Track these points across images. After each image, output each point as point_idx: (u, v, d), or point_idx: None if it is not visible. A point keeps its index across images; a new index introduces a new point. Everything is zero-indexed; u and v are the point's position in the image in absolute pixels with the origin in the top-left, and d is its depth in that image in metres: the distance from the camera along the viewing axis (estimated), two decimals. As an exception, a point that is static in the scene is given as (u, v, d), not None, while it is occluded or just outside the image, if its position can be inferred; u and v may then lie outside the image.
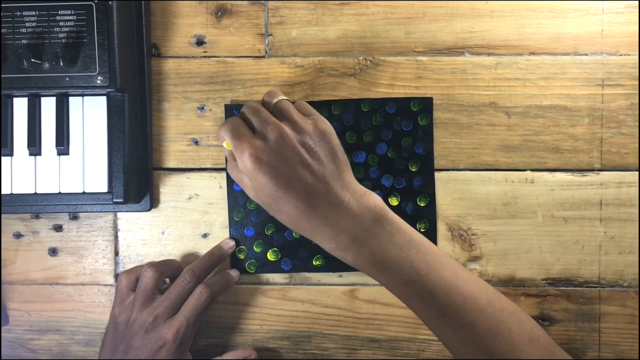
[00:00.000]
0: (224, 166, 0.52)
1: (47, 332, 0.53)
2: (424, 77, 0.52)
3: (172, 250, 0.53)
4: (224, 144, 0.46)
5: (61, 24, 0.47)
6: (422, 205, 0.52)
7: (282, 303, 0.53)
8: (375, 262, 0.43)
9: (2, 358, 0.53)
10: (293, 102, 0.47)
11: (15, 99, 0.50)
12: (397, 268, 0.43)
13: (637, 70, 0.51)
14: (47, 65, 0.47)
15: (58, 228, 0.53)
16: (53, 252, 0.53)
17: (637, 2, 0.52)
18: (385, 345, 0.52)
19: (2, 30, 0.47)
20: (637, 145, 0.51)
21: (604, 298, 0.52)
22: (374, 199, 0.44)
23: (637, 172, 0.51)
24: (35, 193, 0.49)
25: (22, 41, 0.47)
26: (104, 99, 0.49)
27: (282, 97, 0.45)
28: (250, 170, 0.42)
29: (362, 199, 0.43)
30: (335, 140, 0.44)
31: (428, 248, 0.44)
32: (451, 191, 0.52)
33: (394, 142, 0.52)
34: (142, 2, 0.51)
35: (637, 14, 0.51)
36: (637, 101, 0.51)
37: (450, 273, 0.43)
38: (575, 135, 0.52)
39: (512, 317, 0.42)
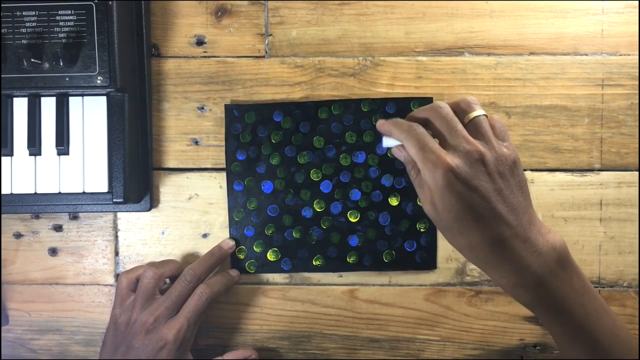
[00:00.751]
0: (224, 166, 0.52)
1: (47, 332, 0.53)
2: (424, 77, 0.52)
3: (172, 250, 0.53)
4: (386, 140, 0.43)
5: (61, 24, 0.47)
6: (422, 205, 0.52)
7: (282, 303, 0.53)
8: (552, 304, 0.40)
9: (2, 358, 0.53)
10: (486, 115, 0.42)
11: (15, 99, 0.50)
12: (570, 312, 0.40)
13: (637, 70, 0.51)
14: (47, 65, 0.47)
15: (58, 228, 0.53)
16: (53, 252, 0.53)
17: (637, 2, 0.52)
18: (385, 345, 0.52)
19: (2, 30, 0.47)
20: (637, 145, 0.51)
21: (604, 298, 0.52)
22: (559, 238, 0.41)
23: (637, 172, 0.51)
24: (35, 193, 0.49)
25: (22, 41, 0.47)
26: (104, 99, 0.49)
27: (481, 110, 0.41)
28: (441, 188, 0.39)
29: (548, 236, 0.40)
30: (524, 174, 0.41)
31: (596, 294, 0.41)
32: (451, 191, 0.52)
33: (394, 142, 0.52)
34: (142, 2, 0.51)
35: (637, 14, 0.51)
36: (637, 101, 0.51)
37: (611, 322, 0.41)
38: (575, 135, 0.52)
39: None
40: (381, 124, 0.43)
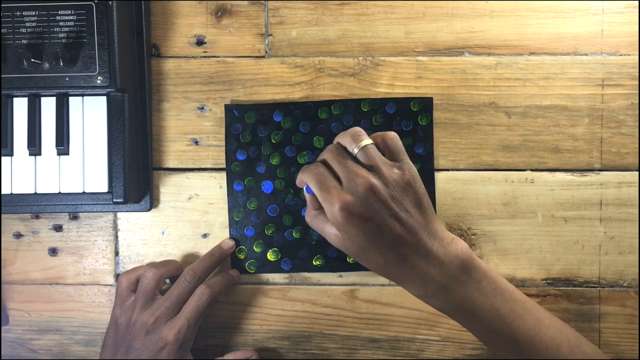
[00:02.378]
0: (224, 166, 0.52)
1: (47, 332, 0.53)
2: (424, 77, 0.52)
3: (172, 250, 0.53)
4: (304, 189, 0.46)
5: (61, 24, 0.47)
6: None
7: (282, 303, 0.53)
8: (462, 309, 0.43)
9: (2, 358, 0.53)
10: (377, 135, 0.44)
11: (15, 99, 0.50)
12: (483, 315, 0.43)
13: (637, 70, 0.51)
14: (47, 65, 0.47)
15: (58, 228, 0.53)
16: (53, 252, 0.53)
17: (637, 2, 0.52)
18: (385, 345, 0.52)
19: (2, 30, 0.47)
20: (637, 145, 0.51)
21: (604, 298, 0.52)
22: (461, 246, 0.43)
23: (637, 172, 0.51)
24: (35, 193, 0.49)
25: (22, 41, 0.47)
26: (104, 99, 0.49)
27: (367, 140, 0.43)
28: (340, 223, 0.42)
29: (450, 246, 0.43)
30: (421, 189, 0.43)
31: (513, 294, 0.44)
32: (451, 191, 0.52)
33: (394, 142, 0.52)
34: (142, 2, 0.51)
35: (637, 14, 0.51)
36: (637, 101, 0.51)
37: (533, 320, 0.43)
38: (575, 135, 0.52)
39: None
40: (297, 179, 0.46)
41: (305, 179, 0.44)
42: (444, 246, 0.43)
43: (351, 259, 0.52)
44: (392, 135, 0.45)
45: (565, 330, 0.44)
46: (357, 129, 0.44)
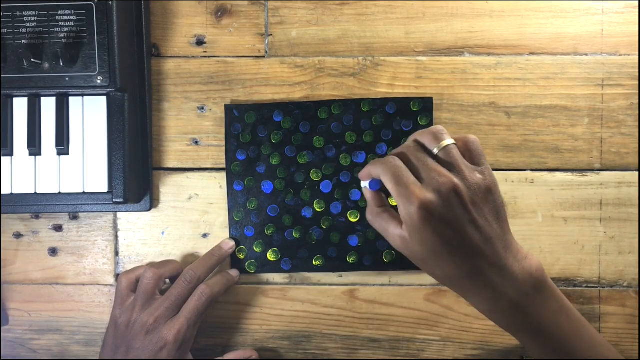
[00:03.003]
0: (224, 166, 0.52)
1: (47, 332, 0.53)
2: (424, 77, 0.52)
3: (172, 250, 0.53)
4: (366, 184, 0.43)
5: (61, 24, 0.47)
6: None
7: (282, 303, 0.53)
8: (529, 327, 0.41)
9: (2, 358, 0.53)
10: (458, 138, 0.42)
11: (15, 99, 0.50)
12: (548, 334, 0.41)
13: (637, 70, 0.51)
14: (47, 65, 0.47)
15: (58, 228, 0.53)
16: (53, 252, 0.53)
17: (637, 2, 0.52)
18: (385, 345, 0.52)
19: (2, 30, 0.47)
20: (637, 145, 0.51)
21: (604, 298, 0.52)
22: (536, 262, 0.41)
23: (637, 172, 0.51)
24: (35, 193, 0.49)
25: (22, 41, 0.47)
26: (104, 99, 0.49)
27: (450, 140, 0.41)
28: (416, 222, 0.39)
29: (524, 262, 0.40)
30: (500, 198, 0.41)
31: (574, 313, 0.42)
32: (451, 191, 0.52)
33: (394, 142, 0.52)
34: (142, 2, 0.51)
35: (637, 14, 0.51)
36: (637, 101, 0.51)
37: (590, 339, 0.42)
38: (575, 135, 0.52)
39: None
40: (361, 172, 0.44)
41: (378, 172, 0.41)
42: (519, 261, 0.40)
43: (351, 259, 0.52)
44: (474, 138, 0.42)
45: (610, 347, 0.43)
46: (440, 127, 0.41)
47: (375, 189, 0.42)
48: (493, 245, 0.40)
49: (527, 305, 0.40)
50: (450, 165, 0.40)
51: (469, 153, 0.41)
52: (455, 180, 0.39)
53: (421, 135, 0.41)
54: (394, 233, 0.41)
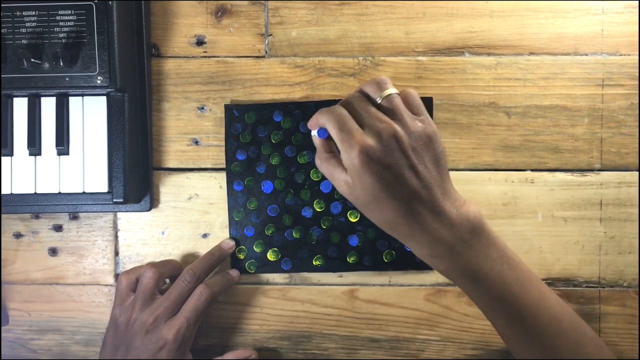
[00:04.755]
0: (224, 166, 0.52)
1: (47, 332, 0.53)
2: (424, 77, 0.52)
3: (172, 250, 0.53)
4: (315, 132, 0.44)
5: (61, 24, 0.47)
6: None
7: (282, 303, 0.53)
8: (467, 273, 0.42)
9: (2, 358, 0.53)
10: (400, 91, 0.43)
11: (15, 99, 0.50)
12: (488, 282, 0.42)
13: (637, 70, 0.51)
14: (47, 65, 0.47)
15: (58, 228, 0.53)
16: (53, 252, 0.53)
17: (637, 2, 0.52)
18: (385, 345, 0.52)
19: (2, 30, 0.47)
20: (637, 145, 0.51)
21: (604, 298, 0.52)
22: (473, 209, 0.42)
23: (637, 172, 0.51)
24: (35, 193, 0.49)
25: (22, 41, 0.47)
26: (104, 99, 0.49)
27: (393, 89, 0.43)
28: (357, 167, 0.40)
29: (462, 208, 0.42)
30: (440, 146, 0.43)
31: (519, 264, 0.43)
32: (451, 191, 0.52)
33: (394, 142, 0.52)
34: (142, 2, 0.51)
35: (637, 14, 0.51)
36: (637, 101, 0.51)
37: (537, 292, 0.42)
38: (575, 135, 0.52)
39: (592, 342, 0.42)
40: (310, 121, 0.45)
41: (324, 120, 0.42)
42: (457, 207, 0.42)
43: (351, 259, 0.52)
44: (413, 91, 0.44)
45: (566, 306, 0.43)
46: (383, 77, 0.43)
47: (324, 137, 0.44)
48: (431, 190, 0.41)
49: (464, 250, 0.42)
50: (392, 113, 0.42)
51: (409, 105, 0.43)
52: (395, 126, 0.41)
53: (366, 86, 0.43)
54: (339, 178, 0.43)
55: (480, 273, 0.42)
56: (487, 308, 0.43)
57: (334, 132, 0.42)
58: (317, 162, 0.45)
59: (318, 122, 0.44)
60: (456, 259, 0.42)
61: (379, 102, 0.42)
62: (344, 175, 0.42)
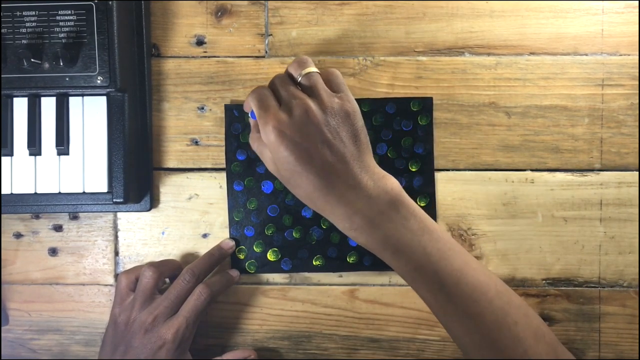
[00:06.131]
0: (224, 166, 0.53)
1: (47, 332, 0.53)
2: (424, 77, 0.52)
3: (172, 250, 0.53)
4: (249, 114, 0.46)
5: (61, 24, 0.47)
6: (422, 205, 0.52)
7: (282, 303, 0.53)
8: (387, 245, 0.43)
9: (2, 358, 0.53)
10: (322, 71, 0.46)
11: (15, 99, 0.50)
12: (409, 253, 0.43)
13: (637, 70, 0.51)
14: (47, 65, 0.47)
15: (58, 228, 0.53)
16: (53, 252, 0.53)
17: (637, 2, 0.52)
18: (385, 345, 0.52)
19: (2, 30, 0.47)
20: (637, 145, 0.51)
21: (604, 298, 0.52)
22: (392, 182, 0.44)
23: (637, 172, 0.51)
24: (35, 193, 0.49)
25: (22, 41, 0.47)
26: (104, 99, 0.49)
27: (312, 68, 0.45)
28: (272, 142, 0.42)
29: (380, 181, 0.43)
30: (359, 122, 0.44)
31: (441, 236, 0.44)
32: (451, 191, 0.52)
33: (394, 142, 0.52)
34: (142, 2, 0.51)
35: (637, 14, 0.51)
36: (637, 101, 0.51)
37: (461, 262, 0.43)
38: (575, 135, 0.52)
39: (519, 311, 0.43)
40: (244, 103, 0.47)
41: (249, 99, 0.45)
42: (374, 180, 0.43)
43: (351, 259, 0.52)
44: (335, 70, 0.46)
45: (492, 276, 0.44)
46: (305, 57, 0.46)
47: (255, 118, 0.45)
48: (347, 164, 0.42)
49: (382, 222, 0.43)
50: (310, 90, 0.44)
51: (329, 83, 0.45)
52: (309, 101, 0.43)
53: (290, 66, 0.46)
54: (267, 155, 0.45)
55: (400, 244, 0.43)
56: (410, 279, 0.44)
57: (255, 111, 0.44)
58: (250, 142, 0.47)
59: (248, 104, 0.46)
60: (375, 231, 0.43)
61: (299, 80, 0.45)
62: (270, 153, 0.44)
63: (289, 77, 0.45)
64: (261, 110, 0.43)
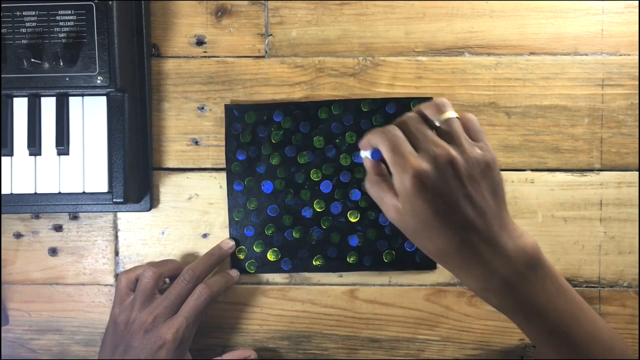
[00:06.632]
0: (224, 166, 0.52)
1: (47, 332, 0.53)
2: (424, 77, 0.52)
3: (172, 250, 0.53)
4: (366, 153, 0.42)
5: (61, 24, 0.47)
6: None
7: (282, 303, 0.53)
8: (523, 308, 0.40)
9: (2, 358, 0.53)
10: (460, 115, 0.41)
11: (15, 99, 0.50)
12: (543, 316, 0.40)
13: (637, 70, 0.51)
14: (47, 65, 0.47)
15: (58, 228, 0.53)
16: (53, 252, 0.53)
17: (637, 2, 0.52)
18: (385, 345, 0.52)
19: (2, 30, 0.47)
20: (637, 145, 0.51)
21: (604, 298, 0.52)
22: (531, 241, 0.40)
23: (637, 172, 0.51)
24: (35, 193, 0.49)
25: (22, 41, 0.47)
26: (104, 99, 0.49)
27: (452, 113, 0.40)
28: (409, 192, 0.38)
29: (519, 240, 0.39)
30: (499, 175, 0.40)
31: (574, 296, 0.41)
32: (451, 191, 0.52)
33: (394, 142, 0.52)
34: (142, 2, 0.51)
35: (637, 14, 0.51)
36: (637, 101, 0.51)
37: (590, 323, 0.41)
38: (575, 135, 0.52)
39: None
40: (361, 141, 0.43)
41: (376, 140, 0.40)
42: (513, 239, 0.39)
43: (351, 259, 0.52)
44: (473, 116, 0.42)
45: (613, 332, 0.42)
46: (444, 99, 0.41)
47: (376, 159, 0.41)
48: (487, 220, 0.39)
49: (520, 284, 0.39)
50: (450, 138, 0.39)
51: (468, 130, 0.41)
52: (452, 152, 0.38)
53: (424, 107, 0.41)
54: (389, 203, 0.40)
55: (535, 308, 0.40)
56: (541, 342, 0.41)
57: (387, 154, 0.39)
58: (367, 185, 0.42)
59: (370, 143, 0.41)
60: (511, 293, 0.40)
61: (437, 125, 0.40)
62: (394, 200, 0.40)
63: (423, 119, 0.41)
64: (396, 155, 0.38)
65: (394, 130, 0.40)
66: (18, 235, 0.53)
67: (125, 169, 0.48)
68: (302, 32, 0.52)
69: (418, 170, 0.37)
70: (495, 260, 0.39)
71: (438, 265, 0.52)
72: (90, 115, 0.50)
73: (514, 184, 0.52)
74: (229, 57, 0.53)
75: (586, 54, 0.52)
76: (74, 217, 0.53)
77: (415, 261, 0.52)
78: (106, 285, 0.53)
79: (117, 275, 0.53)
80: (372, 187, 0.42)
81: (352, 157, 0.52)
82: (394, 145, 0.39)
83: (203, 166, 0.53)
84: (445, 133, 0.40)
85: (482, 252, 0.39)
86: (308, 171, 0.52)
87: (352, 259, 0.52)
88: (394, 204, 0.40)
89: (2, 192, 0.49)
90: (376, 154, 0.41)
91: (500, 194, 0.40)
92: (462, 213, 0.38)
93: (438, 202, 0.38)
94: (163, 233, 0.53)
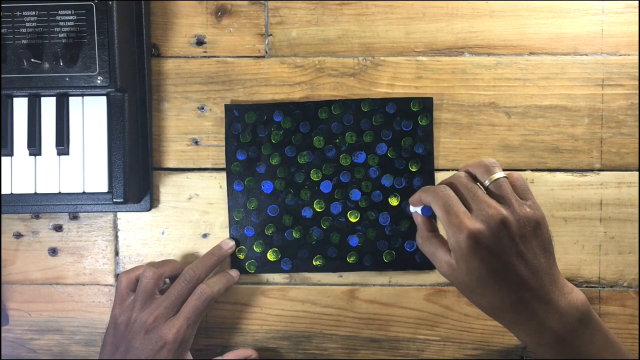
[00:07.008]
0: (224, 166, 0.52)
1: (47, 332, 0.53)
2: (424, 77, 0.52)
3: (172, 250, 0.53)
4: (417, 209, 0.44)
5: (61, 24, 0.47)
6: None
7: (282, 303, 0.53)
8: None
9: (2, 358, 0.53)
10: (507, 175, 0.43)
11: (15, 99, 0.50)
12: None
13: (637, 70, 0.51)
14: (47, 65, 0.47)
15: (58, 228, 0.53)
16: (53, 252, 0.53)
17: (637, 2, 0.52)
18: (385, 345, 0.52)
19: (2, 30, 0.47)
20: (637, 145, 0.51)
21: (604, 298, 0.52)
22: (581, 297, 0.42)
23: (637, 172, 0.51)
24: (35, 193, 0.49)
25: (22, 41, 0.47)
26: (104, 99, 0.49)
27: (501, 173, 0.42)
28: (464, 251, 0.40)
29: (570, 296, 0.41)
30: (548, 232, 0.42)
31: (619, 348, 0.42)
32: (451, 191, 0.52)
33: (394, 142, 0.52)
34: (142, 2, 0.51)
35: (637, 14, 0.52)
36: (637, 101, 0.51)
37: None
38: (575, 135, 0.52)
39: None
40: (412, 197, 0.45)
41: (429, 199, 0.42)
42: (565, 295, 0.41)
43: (351, 259, 0.52)
44: (520, 174, 0.43)
45: None
46: (491, 160, 0.43)
47: (427, 215, 0.44)
48: (539, 278, 0.40)
49: (573, 339, 0.41)
50: (500, 198, 0.41)
51: (516, 189, 0.42)
52: (505, 212, 0.40)
53: (473, 167, 0.43)
54: (442, 259, 0.42)
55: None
56: None
57: (440, 213, 0.41)
58: (419, 240, 0.45)
59: (421, 200, 0.43)
60: (564, 348, 0.41)
61: (487, 184, 0.42)
62: (447, 256, 0.42)
63: (474, 179, 0.43)
64: (450, 215, 0.40)
65: (447, 190, 0.41)
66: (18, 235, 0.53)
67: (125, 169, 0.48)
68: (302, 32, 0.52)
69: (473, 231, 0.39)
70: (549, 317, 0.40)
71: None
72: (90, 115, 0.50)
73: (514, 184, 0.52)
74: (229, 57, 0.53)
75: (586, 54, 0.52)
76: (74, 217, 0.53)
77: (415, 261, 0.52)
78: (106, 285, 0.53)
79: (117, 276, 0.53)
80: (424, 243, 0.44)
81: (352, 157, 0.52)
82: (448, 205, 0.41)
83: (203, 166, 0.53)
84: (495, 194, 0.41)
85: (535, 309, 0.40)
86: (308, 171, 0.52)
87: (352, 259, 0.52)
88: (447, 260, 0.41)
89: (2, 192, 0.49)
90: (427, 211, 0.43)
91: (550, 251, 0.41)
92: (515, 272, 0.40)
93: (492, 261, 0.39)
94: (163, 233, 0.53)
